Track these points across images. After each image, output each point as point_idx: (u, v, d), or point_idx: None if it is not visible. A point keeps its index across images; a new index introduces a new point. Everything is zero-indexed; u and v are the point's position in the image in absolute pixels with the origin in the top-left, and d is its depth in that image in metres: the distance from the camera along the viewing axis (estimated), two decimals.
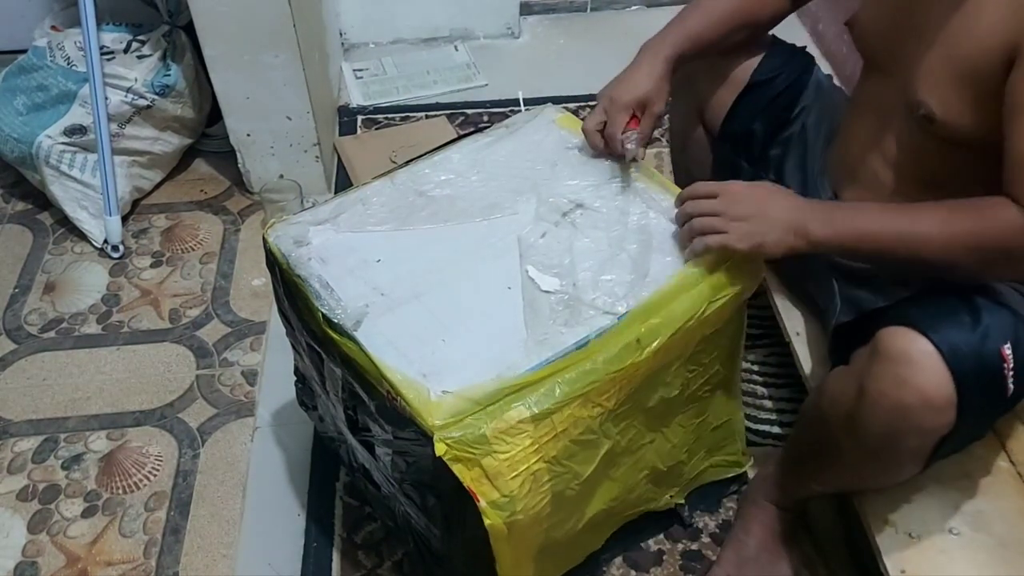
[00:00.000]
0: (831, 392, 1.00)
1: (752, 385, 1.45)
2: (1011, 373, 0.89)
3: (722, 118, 1.26)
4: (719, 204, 0.97)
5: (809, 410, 1.09)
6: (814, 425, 1.06)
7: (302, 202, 1.78)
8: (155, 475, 1.38)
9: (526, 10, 2.41)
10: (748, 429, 1.32)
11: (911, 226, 0.92)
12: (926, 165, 1.02)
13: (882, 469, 0.99)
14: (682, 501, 1.23)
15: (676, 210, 1.02)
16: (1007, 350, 0.89)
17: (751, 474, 1.30)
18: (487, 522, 0.88)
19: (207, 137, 1.99)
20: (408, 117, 2.12)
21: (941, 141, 0.98)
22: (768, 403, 1.43)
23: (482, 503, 0.87)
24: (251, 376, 1.53)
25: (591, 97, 2.11)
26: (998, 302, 0.93)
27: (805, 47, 1.28)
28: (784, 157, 1.24)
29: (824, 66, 1.34)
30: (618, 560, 1.24)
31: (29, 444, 1.43)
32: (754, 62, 1.22)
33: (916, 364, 0.87)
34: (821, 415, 1.02)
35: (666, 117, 1.99)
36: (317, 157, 1.84)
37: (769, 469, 1.20)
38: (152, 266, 1.76)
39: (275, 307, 1.28)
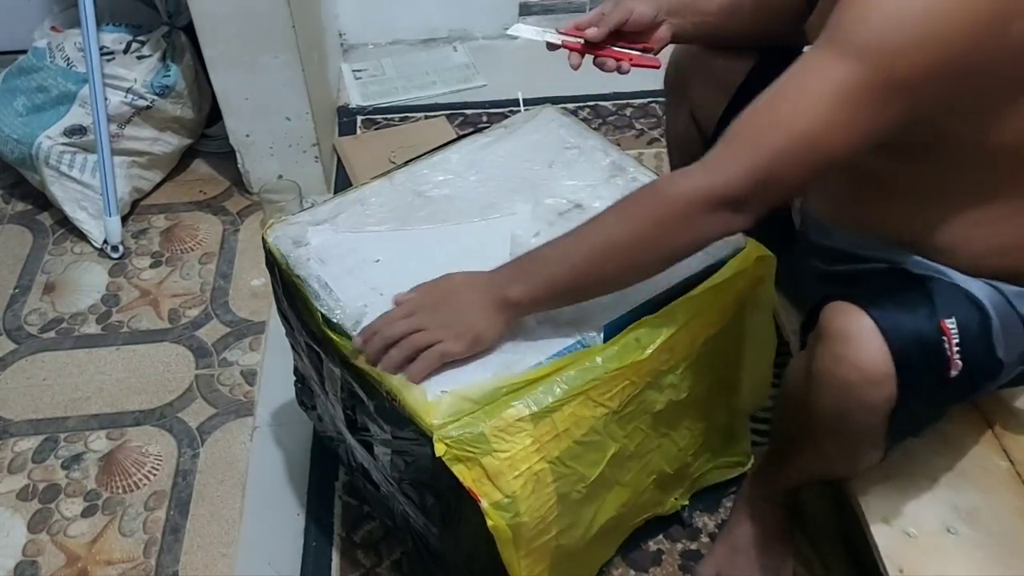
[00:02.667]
0: (789, 378, 1.02)
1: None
2: (956, 349, 0.89)
3: (715, 122, 1.26)
4: (417, 320, 0.91)
5: (778, 399, 1.11)
6: (782, 414, 1.08)
7: (301, 202, 1.79)
8: (155, 474, 1.39)
9: (525, 10, 2.41)
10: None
11: (592, 241, 0.89)
12: (871, 171, 1.01)
13: (841, 451, 1.00)
14: (686, 502, 1.23)
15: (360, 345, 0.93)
16: (948, 324, 0.89)
17: None
18: (490, 523, 0.88)
19: (206, 137, 1.99)
20: (407, 117, 2.12)
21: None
22: (768, 402, 1.43)
23: (484, 504, 0.87)
24: (250, 376, 1.53)
25: (590, 97, 2.15)
26: (950, 284, 0.93)
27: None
28: None
29: None
30: (617, 560, 1.24)
31: (29, 444, 1.43)
32: (747, 66, 1.22)
33: (853, 339, 0.88)
34: (785, 402, 1.04)
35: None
36: (316, 157, 1.85)
37: (758, 465, 1.20)
38: (152, 266, 1.76)
39: (274, 307, 1.28)
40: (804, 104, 0.80)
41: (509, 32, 1.13)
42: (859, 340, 0.88)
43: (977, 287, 0.94)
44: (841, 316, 0.90)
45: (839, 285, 1.06)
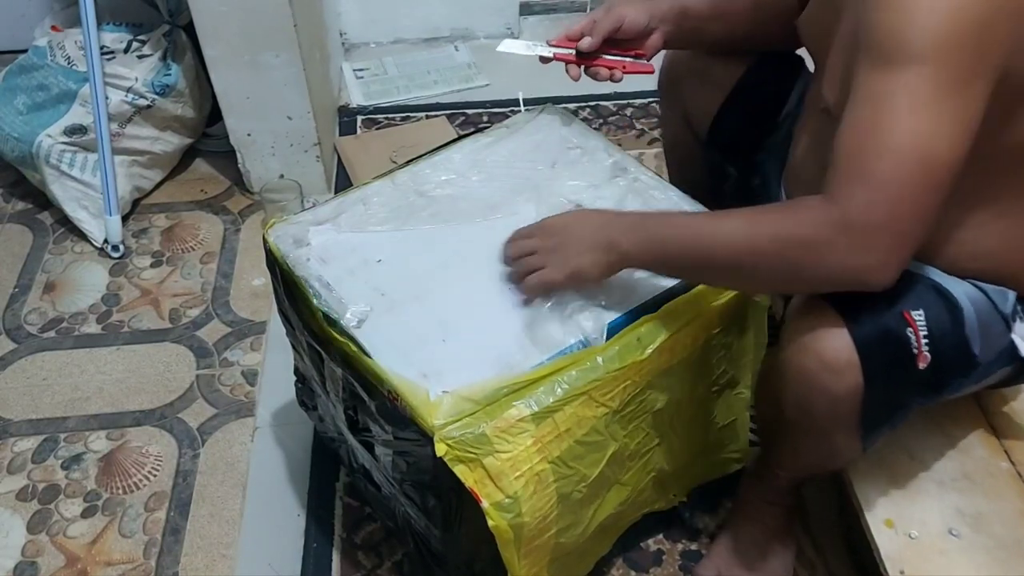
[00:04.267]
0: (764, 374, 1.04)
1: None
2: (924, 341, 0.88)
3: (708, 125, 1.25)
4: (535, 242, 0.97)
5: (757, 396, 1.12)
6: (762, 410, 1.09)
7: (302, 202, 1.78)
8: (155, 475, 1.38)
9: (526, 10, 2.41)
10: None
11: (715, 228, 0.89)
12: None
13: (814, 443, 1.00)
14: (684, 499, 1.23)
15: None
16: (914, 314, 0.88)
17: None
18: (491, 524, 0.88)
19: (207, 137, 1.99)
20: (408, 117, 2.12)
21: None
22: None
23: (485, 504, 0.87)
24: (251, 376, 1.53)
25: (591, 97, 2.14)
26: (921, 276, 0.93)
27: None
28: (769, 163, 1.24)
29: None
30: (618, 560, 1.24)
31: (29, 444, 1.43)
32: (740, 69, 1.21)
33: (816, 329, 0.89)
34: (763, 398, 1.05)
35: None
36: (317, 157, 1.84)
37: (753, 465, 1.20)
38: (152, 266, 1.76)
39: (275, 307, 1.28)
40: (899, 129, 0.78)
41: (499, 49, 1.14)
42: (821, 329, 0.88)
43: (953, 283, 0.93)
44: (806, 306, 0.91)
45: None
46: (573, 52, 1.10)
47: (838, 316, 0.88)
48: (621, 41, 1.11)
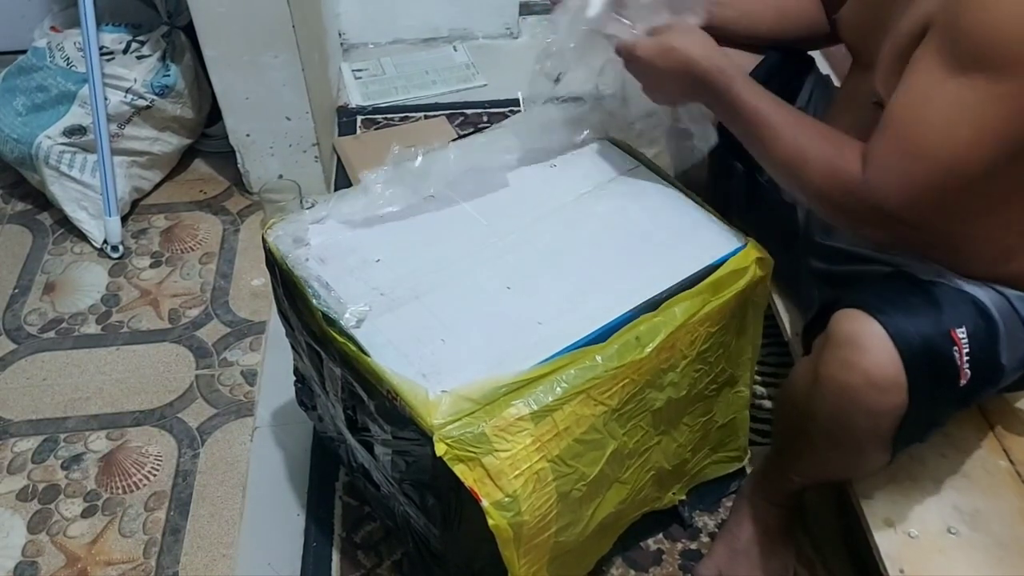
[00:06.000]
0: (793, 381, 1.02)
1: (752, 385, 1.45)
2: (967, 359, 0.88)
3: (716, 120, 1.25)
4: (643, 67, 1.04)
5: (779, 401, 1.11)
6: (784, 416, 1.08)
7: (301, 202, 1.78)
8: (155, 475, 1.38)
9: (525, 10, 2.41)
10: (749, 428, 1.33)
11: (770, 113, 0.94)
12: None
13: (844, 456, 0.99)
14: (684, 497, 1.23)
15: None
16: (959, 333, 0.88)
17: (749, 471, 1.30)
18: (491, 523, 0.88)
19: (207, 137, 1.99)
20: (407, 117, 2.12)
21: None
22: (768, 403, 1.43)
23: (485, 503, 0.87)
24: (251, 376, 1.53)
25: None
26: (959, 291, 0.93)
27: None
28: None
29: (823, 65, 1.34)
30: (617, 560, 1.24)
31: (29, 444, 1.43)
32: (749, 64, 1.21)
33: (862, 346, 0.87)
34: (788, 405, 1.03)
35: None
36: (316, 157, 1.85)
37: (760, 465, 1.20)
38: (152, 266, 1.76)
39: (275, 307, 1.27)
40: (944, 135, 0.81)
41: None
42: (869, 347, 0.87)
43: (983, 293, 0.93)
44: (850, 322, 0.89)
45: (841, 287, 1.06)
46: None
47: (884, 332, 0.86)
48: None
